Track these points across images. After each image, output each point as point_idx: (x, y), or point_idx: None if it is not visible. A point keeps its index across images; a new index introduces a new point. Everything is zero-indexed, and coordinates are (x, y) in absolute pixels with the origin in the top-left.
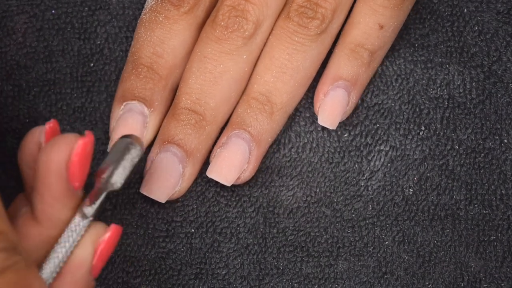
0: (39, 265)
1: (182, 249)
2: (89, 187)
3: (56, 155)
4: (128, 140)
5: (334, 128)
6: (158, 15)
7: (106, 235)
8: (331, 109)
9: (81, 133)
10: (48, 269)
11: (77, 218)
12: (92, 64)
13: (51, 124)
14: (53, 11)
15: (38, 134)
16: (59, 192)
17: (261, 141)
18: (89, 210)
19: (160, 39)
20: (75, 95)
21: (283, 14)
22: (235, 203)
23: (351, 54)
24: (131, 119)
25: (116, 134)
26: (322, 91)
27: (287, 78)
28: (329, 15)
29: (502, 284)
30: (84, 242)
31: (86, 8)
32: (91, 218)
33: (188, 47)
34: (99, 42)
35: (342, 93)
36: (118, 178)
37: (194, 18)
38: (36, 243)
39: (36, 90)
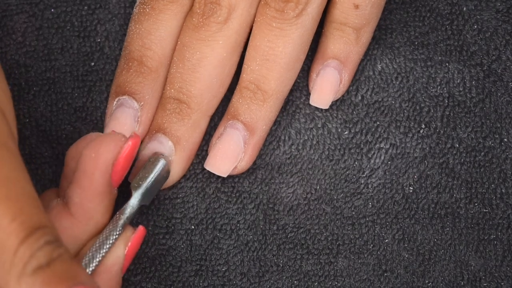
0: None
1: (182, 246)
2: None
3: (105, 151)
4: (165, 163)
5: (326, 107)
6: (145, 6)
7: (134, 236)
8: (320, 88)
9: (82, 132)
10: (84, 265)
11: (114, 224)
12: (93, 64)
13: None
14: (52, 10)
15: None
16: (101, 187)
17: (255, 130)
18: (123, 218)
19: (148, 31)
20: (76, 94)
21: (262, 2)
22: (235, 200)
23: (335, 32)
24: (122, 114)
25: (108, 129)
26: (314, 71)
27: (271, 65)
28: None
29: (502, 283)
30: (118, 243)
31: (86, 7)
32: (123, 225)
33: (177, 37)
34: (99, 40)
35: (331, 72)
36: (150, 197)
37: (179, 7)
38: (67, 235)
39: (35, 89)
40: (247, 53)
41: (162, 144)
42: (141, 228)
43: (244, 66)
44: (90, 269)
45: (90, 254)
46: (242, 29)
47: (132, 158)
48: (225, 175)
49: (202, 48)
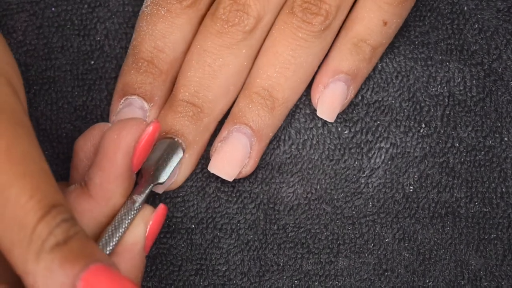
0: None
1: (183, 245)
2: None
3: (127, 134)
4: (173, 141)
5: (332, 120)
6: (160, 8)
7: (155, 214)
8: (330, 101)
9: (82, 131)
10: (101, 246)
11: (129, 204)
12: (92, 62)
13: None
14: (52, 9)
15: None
16: (122, 170)
17: (262, 136)
18: (139, 198)
19: (162, 33)
20: (76, 93)
21: (286, 9)
22: (235, 199)
23: (353, 48)
24: (130, 114)
25: None
26: (322, 82)
27: (290, 74)
28: (333, 11)
29: (503, 282)
30: (137, 222)
31: (86, 6)
32: (140, 205)
33: (189, 41)
34: (99, 38)
35: (342, 86)
36: (165, 175)
37: (196, 12)
38: (86, 217)
39: (36, 88)
40: (264, 58)
41: None
42: (161, 206)
43: (260, 71)
44: (109, 248)
45: (108, 234)
46: (263, 38)
47: (152, 143)
48: (230, 180)
49: (225, 55)
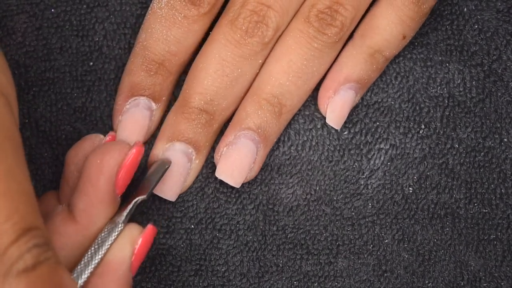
0: (72, 265)
1: (182, 245)
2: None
3: (110, 159)
4: (166, 166)
5: (339, 128)
6: (176, 13)
7: (143, 235)
8: (341, 109)
9: (82, 132)
10: (79, 270)
11: (110, 226)
12: (91, 63)
13: (112, 134)
14: (52, 10)
15: (98, 142)
16: (105, 194)
17: (268, 142)
18: (119, 218)
19: (177, 39)
20: (75, 94)
21: (301, 17)
22: (234, 200)
23: (369, 59)
24: (140, 114)
25: (122, 128)
26: (333, 88)
27: (301, 83)
28: (348, 23)
29: (502, 283)
30: (123, 242)
31: (85, 6)
32: (121, 225)
33: (199, 43)
34: (97, 39)
35: (352, 95)
36: (147, 191)
37: (210, 17)
38: (71, 241)
39: (35, 89)
40: (278, 65)
41: (184, 153)
42: (150, 227)
43: (272, 78)
44: (88, 270)
45: (87, 256)
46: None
47: (136, 166)
48: (238, 186)
49: (244, 66)
